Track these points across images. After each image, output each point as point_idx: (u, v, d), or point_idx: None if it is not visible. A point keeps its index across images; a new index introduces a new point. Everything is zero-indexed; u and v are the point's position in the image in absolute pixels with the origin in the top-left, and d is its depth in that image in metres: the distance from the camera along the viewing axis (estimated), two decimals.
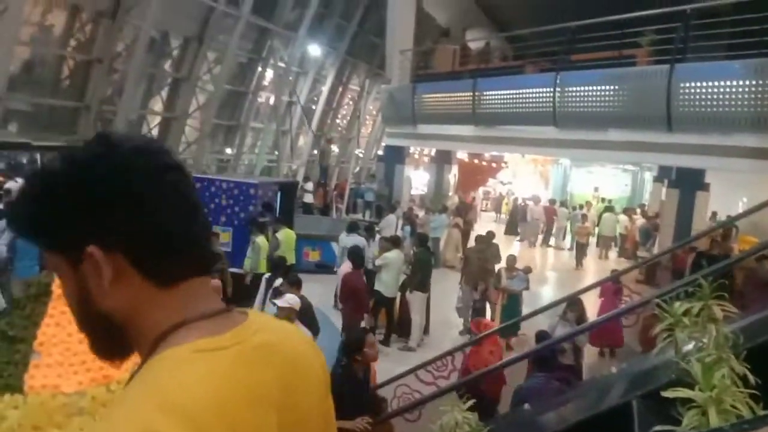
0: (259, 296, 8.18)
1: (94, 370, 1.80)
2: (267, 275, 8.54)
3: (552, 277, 15.59)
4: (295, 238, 11.23)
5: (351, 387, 4.56)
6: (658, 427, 1.88)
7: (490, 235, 11.57)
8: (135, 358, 1.92)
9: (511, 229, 20.97)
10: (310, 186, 21.24)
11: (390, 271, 9.77)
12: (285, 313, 6.00)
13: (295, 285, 6.91)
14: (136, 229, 0.87)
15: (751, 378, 2.05)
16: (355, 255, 8.93)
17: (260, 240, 10.21)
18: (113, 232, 0.86)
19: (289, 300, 6.09)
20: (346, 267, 9.22)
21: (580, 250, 16.65)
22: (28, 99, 13.85)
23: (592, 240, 17.58)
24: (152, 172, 0.89)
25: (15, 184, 13.99)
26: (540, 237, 19.72)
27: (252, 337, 0.91)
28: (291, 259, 10.81)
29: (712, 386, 1.84)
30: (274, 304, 6.56)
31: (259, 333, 0.93)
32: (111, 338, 0.95)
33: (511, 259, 9.83)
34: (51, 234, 0.89)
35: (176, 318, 0.89)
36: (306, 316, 6.56)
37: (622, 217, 18.65)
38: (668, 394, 1.91)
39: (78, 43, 14.72)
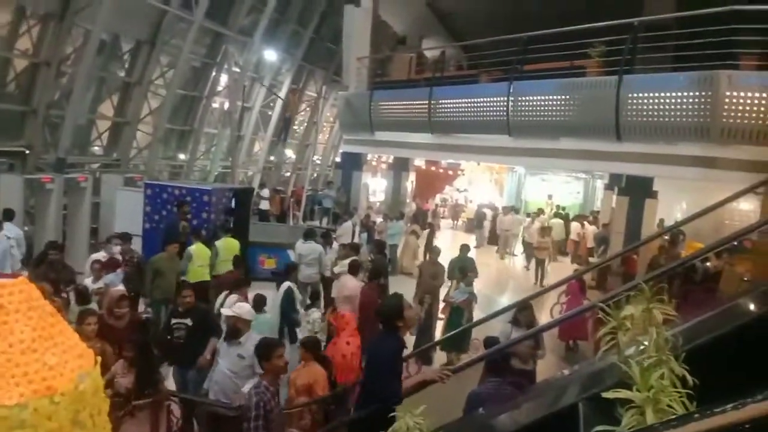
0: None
1: (36, 381, 1.74)
2: None
3: (510, 284, 15.81)
4: (238, 247, 10.95)
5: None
6: (599, 428, 1.94)
7: (464, 248, 11.48)
8: (79, 369, 1.88)
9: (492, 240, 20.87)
10: (266, 193, 21.07)
11: None
12: (231, 321, 5.98)
13: None
14: None
15: (690, 378, 2.13)
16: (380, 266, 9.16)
17: (193, 248, 9.97)
18: None
19: (236, 309, 6.05)
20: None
21: (540, 265, 15.74)
22: None
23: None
24: None
25: None
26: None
27: None
28: (226, 268, 10.44)
29: (649, 387, 1.91)
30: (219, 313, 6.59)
31: None
32: None
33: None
34: None
35: None
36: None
37: (574, 224, 19.07)
38: (608, 395, 1.97)
39: (26, 46, 14.28)
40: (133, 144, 18.15)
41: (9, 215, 10.00)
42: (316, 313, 8.89)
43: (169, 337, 6.75)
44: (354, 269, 8.95)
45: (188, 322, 6.65)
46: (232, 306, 6.26)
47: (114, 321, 6.29)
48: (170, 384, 6.50)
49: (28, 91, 14.10)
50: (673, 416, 1.75)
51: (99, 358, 2.09)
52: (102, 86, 17.45)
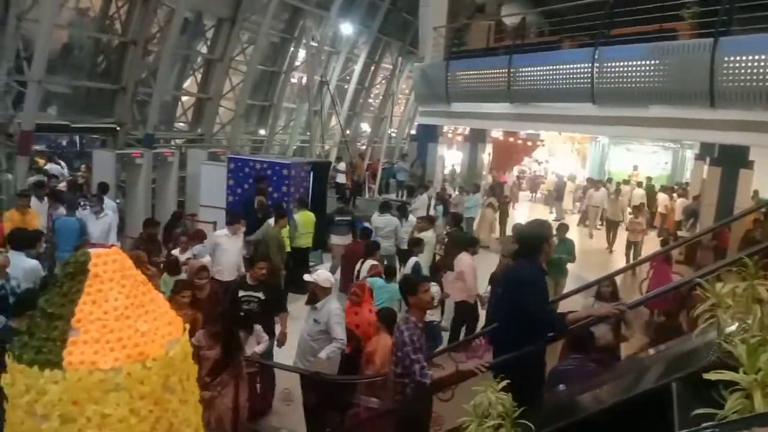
0: None
1: (129, 347, 1.82)
2: None
3: (598, 262, 14.98)
4: (314, 220, 11.20)
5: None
6: (699, 410, 1.82)
7: (563, 228, 10.60)
8: (169, 336, 1.94)
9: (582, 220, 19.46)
10: (342, 166, 21.24)
11: (425, 250, 9.78)
12: (311, 287, 6.11)
13: None
14: None
15: None
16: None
17: (298, 216, 10.28)
18: None
19: (314, 276, 6.17)
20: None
21: (631, 248, 14.29)
22: (66, 82, 14.12)
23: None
24: None
25: (55, 167, 14.38)
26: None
27: None
28: (308, 241, 10.79)
29: (757, 369, 1.77)
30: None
31: None
32: None
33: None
34: None
35: None
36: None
37: (662, 196, 18.20)
38: (711, 376, 1.84)
39: (113, 26, 14.91)
40: (216, 119, 18.70)
41: (104, 189, 10.56)
42: (435, 287, 8.94)
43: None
44: (468, 244, 8.94)
45: (260, 295, 6.76)
46: (313, 274, 6.36)
47: (195, 291, 6.50)
48: None
49: (118, 69, 14.76)
50: None
51: (188, 326, 2.15)
52: (186, 64, 18.03)
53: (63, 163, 15.20)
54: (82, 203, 10.07)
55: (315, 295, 6.09)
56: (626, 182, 19.90)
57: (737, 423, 1.51)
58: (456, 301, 8.59)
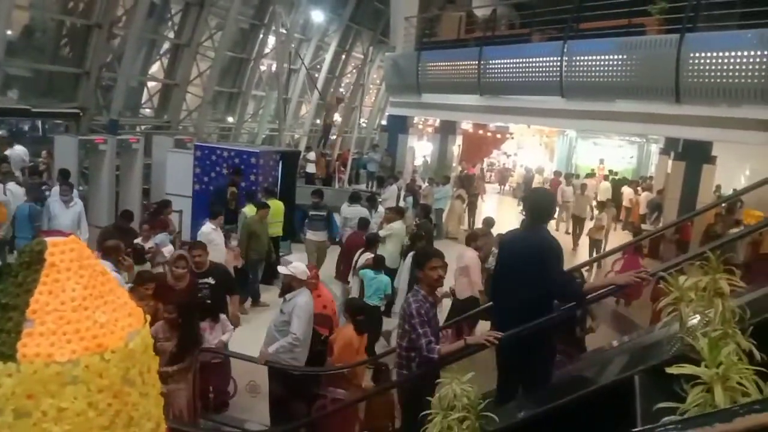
0: None
1: (87, 338, 1.76)
2: None
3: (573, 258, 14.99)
4: (283, 210, 11.15)
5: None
6: (662, 404, 1.84)
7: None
8: (129, 327, 1.88)
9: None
10: (312, 156, 21.11)
11: (394, 241, 9.77)
12: (287, 280, 6.04)
13: None
14: None
15: (757, 354, 2.01)
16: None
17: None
18: None
19: (291, 268, 6.09)
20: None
21: (594, 246, 13.58)
22: (27, 65, 13.69)
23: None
24: None
25: (13, 151, 13.95)
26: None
27: None
28: (277, 231, 10.73)
29: (718, 363, 1.79)
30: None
31: None
32: None
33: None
34: None
35: None
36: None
37: (627, 190, 18.51)
38: (673, 370, 1.87)
39: (77, 8, 14.49)
40: (183, 106, 18.37)
41: (65, 175, 10.29)
42: None
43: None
44: (471, 239, 8.77)
45: (210, 280, 6.72)
46: (288, 265, 6.29)
47: (173, 281, 6.38)
48: None
49: (81, 53, 14.35)
50: (750, 398, 1.64)
51: (149, 317, 2.10)
52: (152, 49, 17.64)
53: (22, 148, 14.75)
54: (44, 190, 9.81)
55: (291, 287, 6.03)
56: (590, 175, 20.20)
57: (698, 419, 1.52)
58: (461, 299, 8.21)
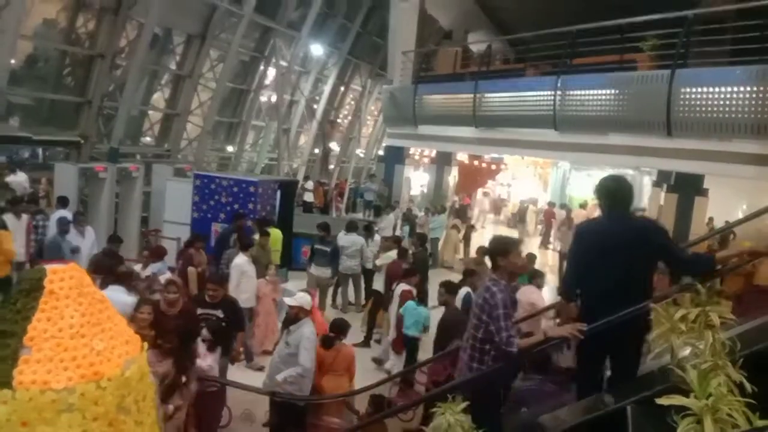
0: None
1: (84, 366, 1.77)
2: None
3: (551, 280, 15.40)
4: (281, 238, 11.17)
5: None
6: None
7: (531, 257, 10.07)
8: (126, 355, 1.90)
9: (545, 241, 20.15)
10: (310, 185, 21.23)
11: None
12: (294, 311, 6.03)
13: None
14: None
15: (748, 386, 2.03)
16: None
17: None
18: None
19: (298, 299, 6.10)
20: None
21: None
22: (30, 93, 13.83)
23: None
24: None
25: (15, 178, 14.00)
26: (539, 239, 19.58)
27: None
28: (276, 259, 10.71)
29: (708, 394, 1.82)
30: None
31: None
32: None
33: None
34: None
35: None
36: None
37: None
38: (663, 401, 1.89)
39: (81, 38, 14.71)
40: (183, 135, 18.52)
41: (64, 203, 10.32)
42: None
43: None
44: (536, 277, 8.56)
45: (219, 313, 6.69)
46: (294, 297, 6.27)
47: (166, 307, 6.36)
48: None
49: (84, 82, 14.53)
50: (740, 429, 1.66)
51: (146, 345, 2.11)
52: (154, 79, 17.87)
53: (24, 175, 14.80)
54: (38, 218, 9.86)
55: (298, 318, 6.02)
56: (583, 206, 20.33)
57: None
58: None
